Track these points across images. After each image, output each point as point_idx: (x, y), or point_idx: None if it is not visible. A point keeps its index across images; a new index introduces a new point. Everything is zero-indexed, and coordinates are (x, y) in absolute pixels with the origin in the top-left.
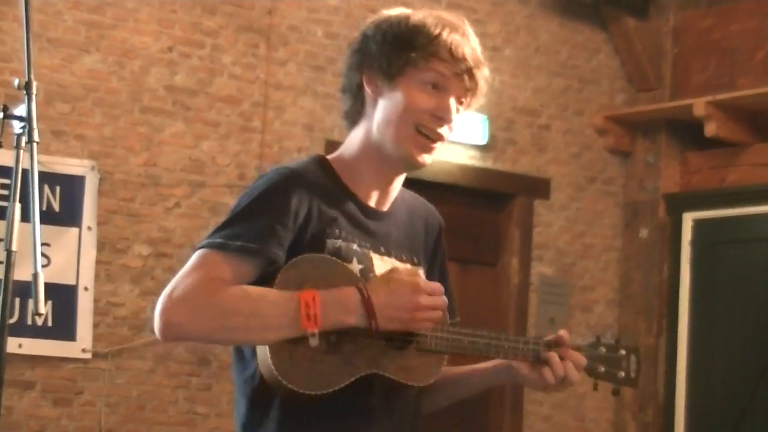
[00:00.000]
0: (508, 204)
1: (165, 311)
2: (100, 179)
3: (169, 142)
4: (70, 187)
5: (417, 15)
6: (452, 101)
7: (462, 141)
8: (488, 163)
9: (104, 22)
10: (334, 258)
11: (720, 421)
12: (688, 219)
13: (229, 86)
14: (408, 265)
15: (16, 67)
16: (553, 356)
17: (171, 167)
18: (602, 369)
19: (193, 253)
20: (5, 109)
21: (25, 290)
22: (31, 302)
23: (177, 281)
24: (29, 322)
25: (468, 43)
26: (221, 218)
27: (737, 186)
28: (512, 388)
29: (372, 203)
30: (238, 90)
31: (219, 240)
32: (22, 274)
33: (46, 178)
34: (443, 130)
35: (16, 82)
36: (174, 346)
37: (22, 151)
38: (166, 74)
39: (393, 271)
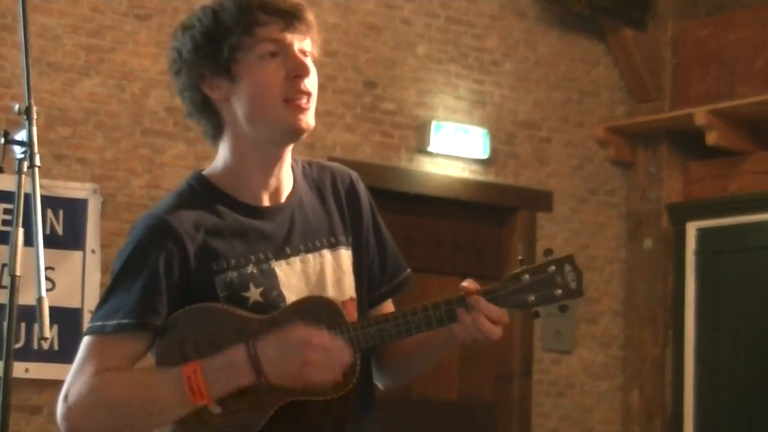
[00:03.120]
0: (510, 218)
1: (64, 418)
2: (103, 202)
3: (170, 164)
4: (72, 210)
5: (210, 2)
6: (297, 54)
7: (463, 155)
8: (490, 177)
9: (103, 45)
10: (211, 304)
11: (728, 430)
12: (692, 228)
13: None
14: (328, 251)
15: (17, 93)
16: (463, 315)
17: (173, 189)
18: (532, 298)
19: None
20: (6, 134)
21: (31, 315)
22: (36, 327)
23: (69, 382)
24: (35, 347)
25: None
26: None
27: (740, 194)
28: (519, 400)
29: (266, 202)
30: None
31: (98, 323)
32: (26, 298)
33: (49, 202)
34: (307, 83)
35: (17, 107)
36: None
37: (23, 176)
38: (167, 96)
39: (292, 326)
